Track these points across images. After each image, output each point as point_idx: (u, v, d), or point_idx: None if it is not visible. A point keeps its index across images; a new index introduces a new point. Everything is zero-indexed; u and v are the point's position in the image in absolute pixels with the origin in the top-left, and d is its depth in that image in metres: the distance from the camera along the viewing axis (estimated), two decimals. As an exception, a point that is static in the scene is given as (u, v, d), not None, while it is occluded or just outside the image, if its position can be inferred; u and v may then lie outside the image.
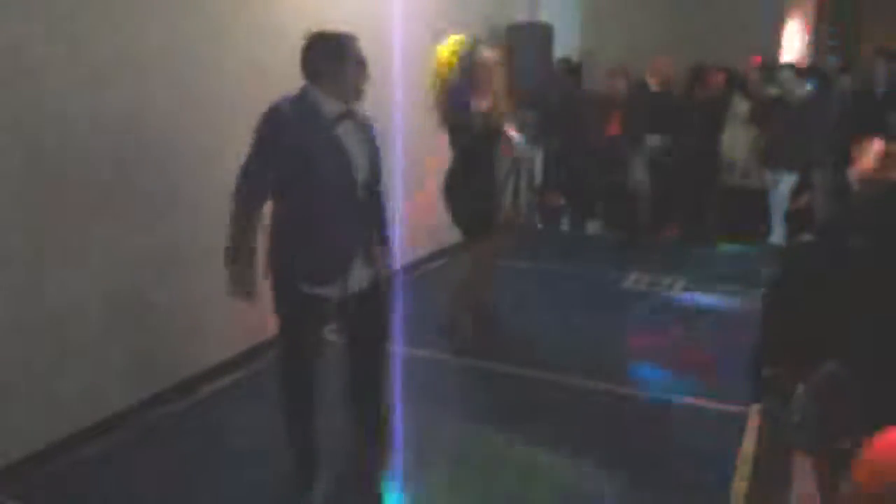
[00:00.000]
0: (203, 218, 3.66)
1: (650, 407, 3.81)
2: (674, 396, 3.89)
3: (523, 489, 3.09)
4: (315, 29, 2.81)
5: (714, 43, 7.69)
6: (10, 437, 3.02)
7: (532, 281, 5.74)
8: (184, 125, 3.67)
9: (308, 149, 2.63)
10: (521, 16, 7.39)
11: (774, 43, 8.16)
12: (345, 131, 2.73)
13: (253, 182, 2.68)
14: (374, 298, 2.92)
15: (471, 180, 4.19)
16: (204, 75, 3.78)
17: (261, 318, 4.01)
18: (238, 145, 2.79)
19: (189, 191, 3.74)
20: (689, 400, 3.85)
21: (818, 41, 9.02)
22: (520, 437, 3.47)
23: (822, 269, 3.09)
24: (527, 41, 7.00)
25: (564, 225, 7.56)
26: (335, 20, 3.09)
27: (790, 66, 6.84)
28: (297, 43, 2.79)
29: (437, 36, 4.33)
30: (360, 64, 2.78)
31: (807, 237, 3.91)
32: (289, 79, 2.81)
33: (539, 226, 7.54)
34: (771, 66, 7.17)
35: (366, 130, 2.85)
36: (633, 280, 5.87)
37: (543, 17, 7.73)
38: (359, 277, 2.81)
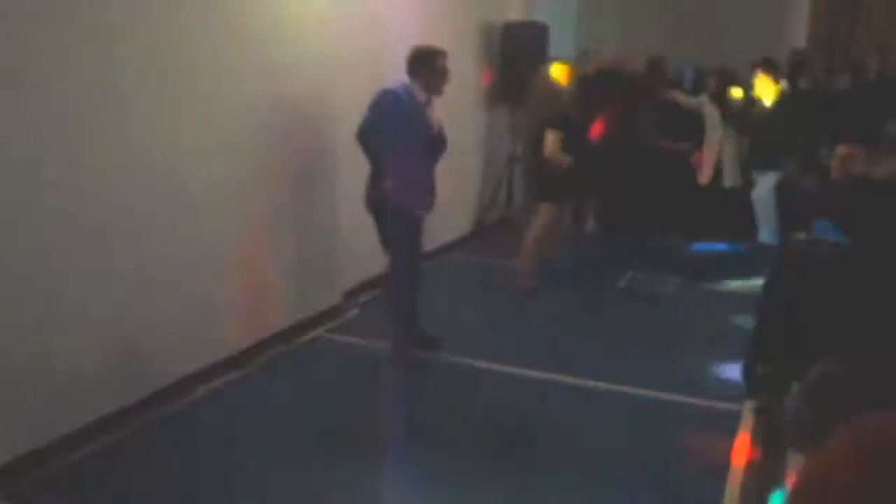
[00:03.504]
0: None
1: (646, 405, 3.82)
2: (669, 395, 3.90)
3: (518, 485, 3.10)
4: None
5: (710, 42, 7.69)
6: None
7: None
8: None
9: (410, 119, 3.92)
10: (516, 15, 7.39)
11: (772, 41, 8.14)
12: (428, 112, 4.03)
13: (373, 136, 3.97)
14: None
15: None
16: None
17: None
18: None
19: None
20: (684, 398, 3.87)
21: (813, 39, 8.99)
22: (518, 434, 3.49)
23: (816, 267, 3.11)
24: (522, 41, 7.00)
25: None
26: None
27: (762, 68, 6.73)
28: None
29: (432, 34, 4.36)
30: (443, 72, 4.02)
31: (801, 235, 3.92)
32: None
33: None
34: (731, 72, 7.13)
35: (435, 114, 4.13)
36: (629, 279, 5.90)
37: (538, 16, 7.73)
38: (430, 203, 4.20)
